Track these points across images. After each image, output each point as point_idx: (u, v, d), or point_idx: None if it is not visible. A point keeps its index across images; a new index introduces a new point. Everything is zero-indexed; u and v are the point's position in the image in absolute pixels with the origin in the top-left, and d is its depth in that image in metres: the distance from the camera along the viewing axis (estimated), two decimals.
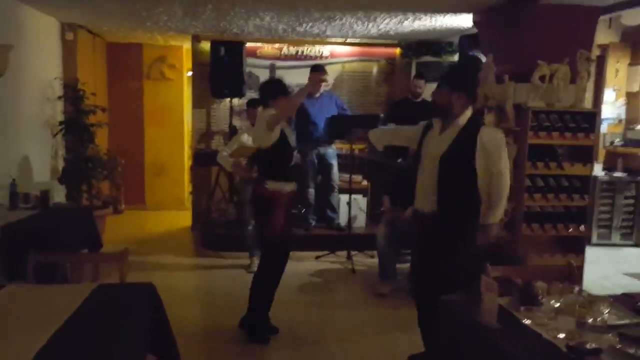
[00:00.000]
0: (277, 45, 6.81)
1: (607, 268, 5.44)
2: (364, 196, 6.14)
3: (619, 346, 1.76)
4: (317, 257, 5.54)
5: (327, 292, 4.72)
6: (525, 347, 1.80)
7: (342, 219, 5.91)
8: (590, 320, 1.95)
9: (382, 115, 6.05)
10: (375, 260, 4.92)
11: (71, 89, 5.74)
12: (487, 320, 1.96)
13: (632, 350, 1.72)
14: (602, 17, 4.41)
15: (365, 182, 6.27)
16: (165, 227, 6.94)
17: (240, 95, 6.31)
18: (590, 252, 5.12)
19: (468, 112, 2.96)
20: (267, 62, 6.82)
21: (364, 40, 6.81)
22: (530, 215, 4.10)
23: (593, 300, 2.07)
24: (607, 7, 4.20)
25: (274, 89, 3.64)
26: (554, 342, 1.80)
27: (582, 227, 4.16)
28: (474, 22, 4.98)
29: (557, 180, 4.10)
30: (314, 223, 5.96)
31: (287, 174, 3.67)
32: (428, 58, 6.73)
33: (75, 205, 5.13)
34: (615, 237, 6.23)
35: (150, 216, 7.47)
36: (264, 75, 6.84)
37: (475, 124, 2.95)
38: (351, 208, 5.60)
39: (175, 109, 7.89)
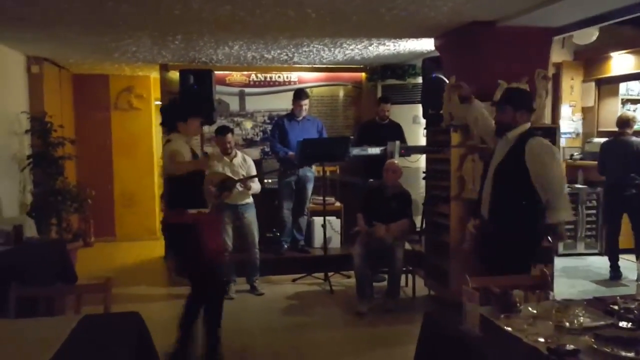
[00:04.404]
0: (246, 73, 6.92)
1: (574, 277, 5.64)
2: (337, 217, 6.22)
3: (595, 346, 1.85)
4: (294, 280, 5.56)
5: (306, 313, 4.73)
6: (508, 352, 1.88)
7: (317, 241, 5.98)
8: (567, 324, 2.04)
9: (352, 137, 6.19)
10: (352, 280, 4.98)
11: (38, 122, 5.67)
12: (470, 328, 2.04)
13: (608, 349, 1.82)
14: (556, 37, 4.68)
15: (338, 204, 6.35)
16: (137, 258, 6.83)
17: (211, 122, 6.34)
18: (558, 262, 5.32)
19: (525, 126, 3.19)
20: (237, 89, 6.92)
21: (331, 66, 6.98)
22: None
23: (568, 305, 2.16)
24: (559, 28, 4.46)
25: (181, 110, 3.53)
26: (534, 345, 1.89)
27: (547, 238, 4.32)
28: (436, 46, 5.19)
29: None
30: (286, 247, 5.99)
31: (204, 199, 3.55)
32: (393, 81, 6.94)
33: (49, 240, 5.03)
34: (581, 247, 6.47)
35: (121, 248, 7.35)
36: (233, 102, 6.94)
37: (527, 136, 3.15)
38: (326, 229, 5.66)
39: (144, 139, 7.86)
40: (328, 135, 6.50)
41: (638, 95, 6.94)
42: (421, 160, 5.86)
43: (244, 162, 5.20)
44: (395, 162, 5.04)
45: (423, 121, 6.03)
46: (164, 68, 6.70)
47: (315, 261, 5.73)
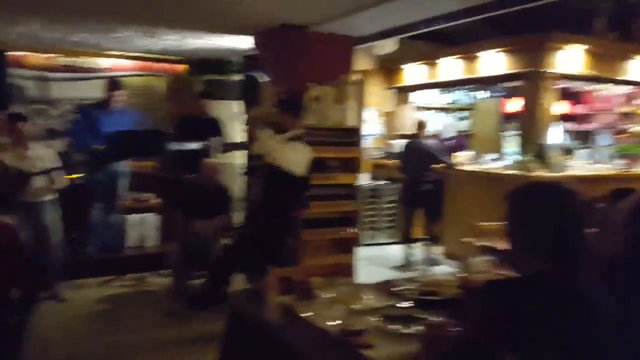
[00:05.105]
0: (48, 55, 6.24)
1: (375, 264, 6.24)
2: (154, 214, 5.98)
3: (381, 325, 2.08)
4: (104, 283, 5.21)
5: (116, 318, 4.46)
6: (304, 336, 2.03)
7: (131, 240, 5.69)
8: (358, 306, 2.27)
9: (170, 131, 6.01)
10: (169, 279, 4.84)
11: None
12: (270, 316, 2.15)
13: (391, 327, 2.05)
14: (362, 46, 5.11)
15: (155, 200, 6.11)
16: None
17: (3, 108, 5.63)
18: (362, 251, 5.83)
19: (296, 131, 3.88)
20: (37, 73, 6.21)
21: (149, 55, 6.66)
22: (309, 221, 4.54)
23: (360, 289, 2.42)
24: (360, 37, 4.89)
25: None
26: (326, 328, 2.06)
27: (351, 229, 4.75)
28: (254, 44, 5.30)
29: (330, 188, 4.63)
30: (94, 248, 5.56)
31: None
32: (214, 76, 6.89)
33: None
34: (381, 237, 7.17)
35: None
36: (33, 88, 6.25)
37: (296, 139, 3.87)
38: (142, 227, 5.42)
39: None
40: (144, 129, 6.23)
41: (427, 104, 8.02)
42: (240, 156, 5.94)
43: (44, 155, 4.70)
44: (215, 158, 5.03)
45: (242, 117, 6.13)
46: None
47: (129, 261, 5.45)
